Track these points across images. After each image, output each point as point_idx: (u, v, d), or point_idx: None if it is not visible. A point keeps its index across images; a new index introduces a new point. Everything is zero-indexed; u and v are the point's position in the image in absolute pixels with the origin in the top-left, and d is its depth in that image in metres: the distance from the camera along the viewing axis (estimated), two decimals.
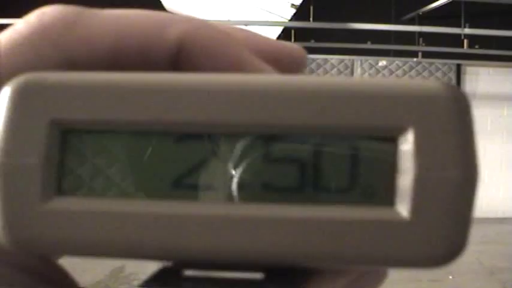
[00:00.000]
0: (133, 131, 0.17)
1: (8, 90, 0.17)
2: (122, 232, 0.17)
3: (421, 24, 5.06)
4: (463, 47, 5.09)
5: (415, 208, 0.16)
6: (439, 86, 0.17)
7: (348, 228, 0.17)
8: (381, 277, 0.21)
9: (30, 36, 0.19)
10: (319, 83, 0.17)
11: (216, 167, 0.17)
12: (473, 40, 5.09)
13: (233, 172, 0.17)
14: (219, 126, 0.17)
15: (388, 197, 0.17)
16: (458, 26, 4.92)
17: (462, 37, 5.05)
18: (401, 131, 0.17)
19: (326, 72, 5.50)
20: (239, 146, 0.17)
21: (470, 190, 0.17)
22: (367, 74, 5.51)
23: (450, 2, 4.69)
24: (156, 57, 0.20)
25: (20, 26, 0.19)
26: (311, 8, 4.97)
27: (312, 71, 5.50)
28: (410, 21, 5.22)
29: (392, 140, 0.17)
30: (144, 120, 0.17)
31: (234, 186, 0.17)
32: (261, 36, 0.22)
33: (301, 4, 4.71)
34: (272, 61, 0.21)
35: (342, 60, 5.49)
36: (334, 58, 5.45)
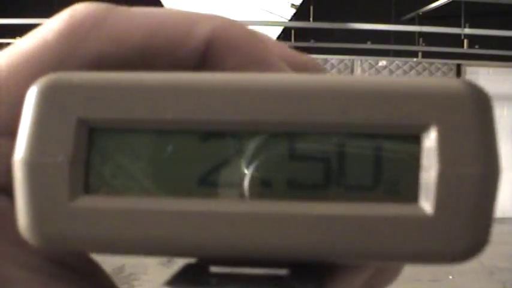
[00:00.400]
0: (159, 130, 0.17)
1: (35, 89, 0.18)
2: (148, 230, 0.17)
3: (421, 24, 5.07)
4: (463, 47, 5.09)
5: (439, 204, 0.17)
6: (462, 84, 0.17)
7: (372, 224, 0.17)
8: (396, 272, 0.21)
9: (61, 33, 0.19)
10: (344, 82, 0.17)
11: (241, 165, 0.17)
12: (473, 40, 5.10)
13: (258, 170, 0.17)
14: (244, 124, 0.17)
15: (412, 193, 0.17)
16: (458, 26, 4.93)
17: (462, 37, 5.05)
18: (425, 128, 0.17)
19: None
20: (264, 144, 0.17)
21: (492, 186, 0.17)
22: (367, 74, 5.51)
23: (450, 2, 4.69)
24: (184, 55, 0.20)
25: (51, 23, 0.20)
26: (311, 8, 4.97)
27: None
28: (410, 21, 5.22)
29: (415, 137, 0.17)
30: (169, 119, 0.17)
31: (259, 183, 0.17)
32: (286, 46, 0.23)
33: (301, 4, 4.71)
34: (295, 70, 0.21)
35: (341, 60, 5.49)
36: (334, 58, 5.45)
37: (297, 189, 0.17)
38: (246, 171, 0.17)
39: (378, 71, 5.50)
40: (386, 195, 0.17)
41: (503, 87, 5.44)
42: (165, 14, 0.20)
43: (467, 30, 4.92)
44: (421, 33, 5.12)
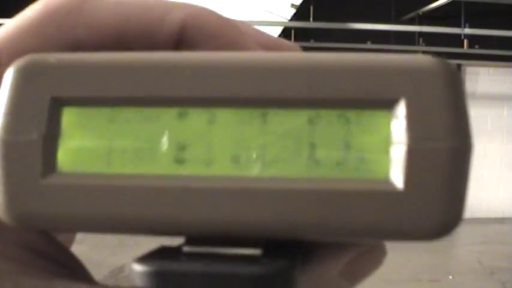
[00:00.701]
0: (131, 107, 0.18)
1: (11, 70, 0.18)
2: (121, 207, 0.17)
3: (421, 24, 5.06)
4: (463, 47, 5.09)
5: (409, 179, 0.17)
6: (430, 59, 0.17)
7: (342, 199, 0.17)
8: (380, 258, 0.21)
9: (36, 20, 0.20)
10: (313, 58, 0.17)
11: (212, 141, 0.17)
12: (473, 40, 5.10)
13: (230, 145, 0.17)
14: (215, 100, 0.17)
15: (382, 168, 0.17)
16: (458, 26, 4.93)
17: (462, 37, 5.05)
18: (394, 102, 0.17)
19: None
20: (235, 121, 0.17)
21: (464, 160, 0.17)
22: None
23: (450, 2, 4.69)
24: (159, 40, 0.20)
25: (27, 11, 0.20)
26: (311, 8, 4.97)
27: None
28: (410, 21, 5.22)
29: (384, 111, 0.17)
30: (140, 97, 0.17)
31: (230, 159, 0.17)
32: (261, 31, 0.23)
33: (301, 4, 4.71)
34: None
35: None
36: None
37: (267, 164, 0.17)
38: (216, 147, 0.17)
39: None
40: (356, 171, 0.17)
41: (503, 87, 5.43)
42: (139, 1, 0.20)
43: (467, 30, 4.92)
44: (421, 33, 5.12)
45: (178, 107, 0.18)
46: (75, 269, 0.21)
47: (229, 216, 0.17)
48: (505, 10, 4.99)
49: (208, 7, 0.21)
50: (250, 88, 0.17)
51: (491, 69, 5.38)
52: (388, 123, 0.17)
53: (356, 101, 0.17)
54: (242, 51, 0.20)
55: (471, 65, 5.38)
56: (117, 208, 0.17)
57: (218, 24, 0.20)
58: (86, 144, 0.18)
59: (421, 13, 5.12)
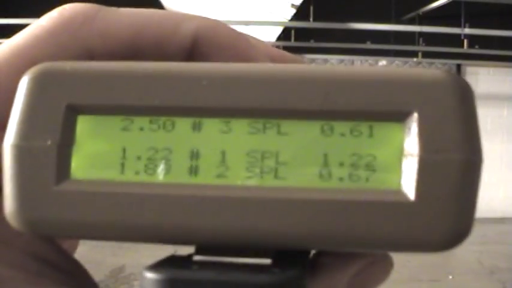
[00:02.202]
0: (148, 115, 0.18)
1: (26, 77, 0.18)
2: (133, 215, 0.17)
3: (421, 24, 5.06)
4: (463, 47, 5.09)
5: (421, 191, 0.17)
6: (443, 73, 0.17)
7: (353, 210, 0.17)
8: (387, 269, 0.21)
9: (51, 29, 0.20)
10: (329, 70, 0.18)
11: (227, 150, 0.18)
12: (473, 40, 5.10)
13: (243, 155, 0.18)
14: (232, 110, 0.18)
15: (394, 179, 0.17)
16: (458, 26, 4.93)
17: (462, 37, 5.05)
18: (406, 115, 0.17)
19: None
20: (250, 130, 0.18)
21: (474, 173, 0.17)
22: None
23: (450, 2, 4.69)
24: (171, 50, 0.21)
25: (42, 20, 0.20)
26: (311, 8, 4.97)
27: None
28: (410, 21, 5.22)
29: (397, 124, 0.17)
30: (157, 106, 0.18)
31: (244, 169, 0.17)
32: (268, 44, 0.23)
33: (301, 4, 4.71)
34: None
35: (341, 60, 5.49)
36: (334, 58, 5.45)
37: (280, 174, 0.17)
38: (230, 157, 0.18)
39: None
40: (368, 182, 0.17)
41: (503, 87, 5.43)
42: (152, 13, 0.21)
43: (467, 30, 4.92)
44: (421, 33, 5.12)
45: (193, 117, 0.18)
46: (82, 279, 0.21)
47: (242, 225, 0.17)
48: (505, 10, 4.99)
49: (219, 20, 0.21)
50: (264, 99, 0.17)
51: (491, 69, 5.38)
52: (401, 136, 0.17)
53: (369, 114, 0.17)
54: (256, 63, 0.20)
55: (471, 65, 5.38)
56: (130, 216, 0.17)
57: (229, 36, 0.21)
58: (100, 152, 0.18)
59: (421, 13, 5.12)
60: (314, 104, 0.17)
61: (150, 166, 0.18)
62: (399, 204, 0.17)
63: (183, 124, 0.18)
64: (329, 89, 0.17)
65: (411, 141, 0.17)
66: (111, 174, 0.18)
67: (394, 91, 0.17)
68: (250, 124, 0.18)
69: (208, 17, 0.21)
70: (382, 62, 5.44)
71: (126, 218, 0.17)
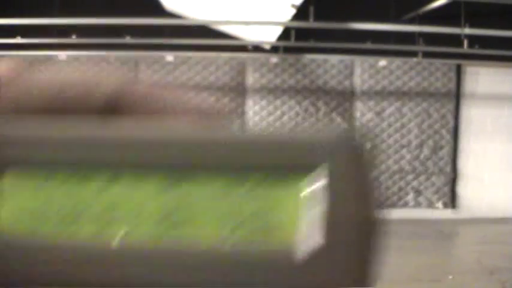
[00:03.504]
0: (67, 171, 0.19)
1: None
2: (53, 265, 0.18)
3: (421, 24, 5.06)
4: (463, 47, 5.09)
5: (315, 250, 0.17)
6: (336, 133, 0.18)
7: (246, 267, 0.17)
8: None
9: None
10: (236, 136, 0.18)
11: (130, 209, 0.18)
12: (473, 40, 5.10)
13: (143, 211, 0.18)
14: (140, 167, 0.18)
15: (286, 238, 0.17)
16: (458, 26, 4.93)
17: (462, 37, 5.05)
18: (299, 178, 0.18)
19: (326, 72, 5.50)
20: (157, 186, 0.18)
21: (369, 234, 0.17)
22: (367, 74, 5.51)
23: (450, 2, 4.69)
24: (94, 109, 0.22)
25: None
26: (311, 8, 4.97)
27: (312, 71, 5.50)
28: (411, 21, 5.22)
29: (287, 186, 0.18)
30: (75, 162, 0.19)
31: (154, 222, 0.18)
32: (189, 95, 0.24)
33: (301, 4, 4.71)
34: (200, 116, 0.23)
35: (342, 60, 5.49)
36: (334, 58, 5.45)
37: (168, 227, 0.18)
38: (143, 211, 0.18)
39: (378, 71, 5.50)
40: (262, 237, 0.18)
41: (503, 87, 5.43)
42: (74, 74, 0.23)
43: (467, 30, 4.92)
44: (421, 33, 5.12)
45: (109, 172, 0.18)
46: None
47: (143, 277, 0.18)
48: (505, 10, 4.99)
49: (134, 80, 0.23)
50: (169, 157, 0.18)
51: (491, 69, 5.39)
52: (295, 196, 0.18)
53: (264, 176, 0.18)
54: (169, 124, 0.21)
55: (471, 65, 5.38)
56: (50, 266, 0.18)
57: (144, 93, 0.22)
58: (23, 205, 0.19)
59: (421, 13, 5.12)
60: (213, 164, 0.18)
61: (67, 218, 0.18)
62: (290, 262, 0.17)
63: (99, 178, 0.18)
64: (226, 152, 0.18)
65: (303, 202, 0.17)
66: (33, 226, 0.18)
67: (287, 153, 0.18)
68: (157, 179, 0.18)
69: (126, 78, 0.23)
70: (382, 62, 5.44)
71: (46, 268, 0.18)
